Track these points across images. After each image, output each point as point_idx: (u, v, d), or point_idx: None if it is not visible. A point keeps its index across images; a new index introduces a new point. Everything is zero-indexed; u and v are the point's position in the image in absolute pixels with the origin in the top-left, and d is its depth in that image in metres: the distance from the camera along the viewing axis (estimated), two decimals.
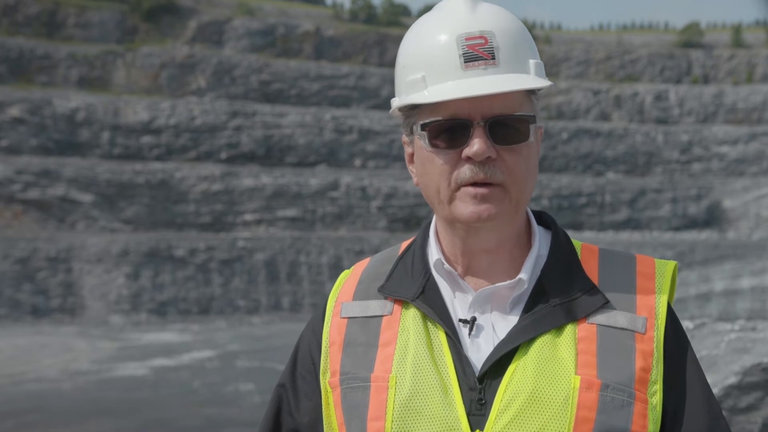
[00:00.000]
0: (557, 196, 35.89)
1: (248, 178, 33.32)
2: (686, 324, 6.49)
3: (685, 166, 40.14)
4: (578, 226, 35.31)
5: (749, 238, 30.85)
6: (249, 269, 29.90)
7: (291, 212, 33.33)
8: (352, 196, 33.95)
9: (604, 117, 42.74)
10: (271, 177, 33.55)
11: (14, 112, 32.68)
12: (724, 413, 4.94)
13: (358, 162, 36.36)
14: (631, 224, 36.44)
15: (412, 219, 33.57)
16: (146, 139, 34.45)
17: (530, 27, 50.24)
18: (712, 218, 37.00)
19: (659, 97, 43.03)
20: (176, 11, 40.34)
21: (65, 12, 37.87)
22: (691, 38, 46.84)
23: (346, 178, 34.24)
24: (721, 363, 5.30)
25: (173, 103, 35.33)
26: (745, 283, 25.27)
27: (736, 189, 37.27)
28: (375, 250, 25.65)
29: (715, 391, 4.96)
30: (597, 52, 45.79)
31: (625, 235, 32.40)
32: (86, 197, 31.14)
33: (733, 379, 5.01)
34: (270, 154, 35.64)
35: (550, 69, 44.50)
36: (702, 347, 5.77)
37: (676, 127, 41.44)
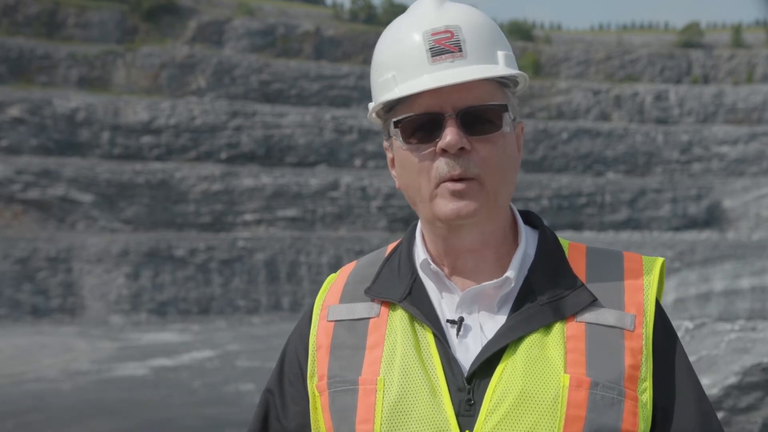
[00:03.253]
0: (557, 196, 35.87)
1: (248, 178, 33.32)
2: (686, 324, 6.48)
3: (685, 166, 40.13)
4: (578, 226, 35.30)
5: (749, 238, 30.80)
6: (249, 269, 29.90)
7: (291, 212, 33.33)
8: (352, 196, 33.94)
9: (604, 117, 42.72)
10: (271, 177, 33.55)
11: (14, 112, 32.69)
12: (725, 413, 4.94)
13: (358, 162, 36.35)
14: (631, 224, 36.42)
15: (411, 219, 33.50)
16: (146, 139, 34.45)
17: (530, 27, 50.24)
18: (712, 218, 36.99)
19: (659, 97, 43.02)
20: (176, 11, 40.34)
21: (65, 12, 37.88)
22: (691, 38, 46.84)
23: (346, 178, 34.23)
24: (721, 363, 5.29)
25: (173, 103, 35.33)
26: (745, 283, 25.24)
27: (736, 189, 37.25)
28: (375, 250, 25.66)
29: (715, 391, 4.95)
30: (597, 52, 45.78)
31: (625, 235, 32.36)
32: (86, 197, 31.14)
33: (733, 379, 5.00)
34: (270, 154, 35.64)
35: (550, 69, 44.50)
36: (702, 347, 5.76)
37: (676, 127, 41.42)
